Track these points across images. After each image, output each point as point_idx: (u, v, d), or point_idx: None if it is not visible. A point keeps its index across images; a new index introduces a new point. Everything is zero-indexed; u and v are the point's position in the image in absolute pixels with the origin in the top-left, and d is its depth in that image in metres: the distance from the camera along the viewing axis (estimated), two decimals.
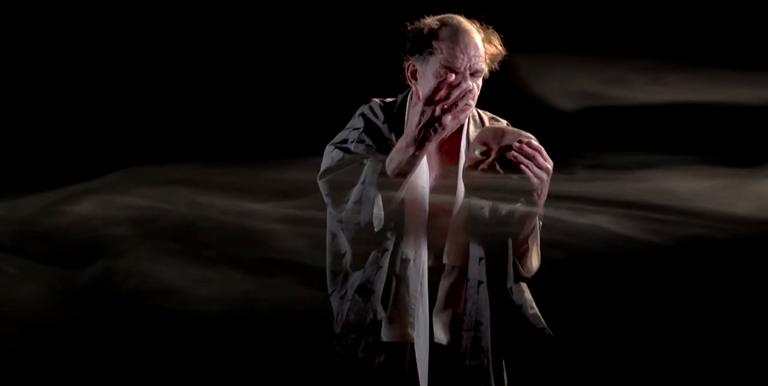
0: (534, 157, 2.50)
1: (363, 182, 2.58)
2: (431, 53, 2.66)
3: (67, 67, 3.81)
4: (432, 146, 2.57)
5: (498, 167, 2.50)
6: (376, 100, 2.83)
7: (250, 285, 2.91)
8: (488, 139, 2.54)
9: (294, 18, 3.80)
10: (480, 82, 2.67)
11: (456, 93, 2.49)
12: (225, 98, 3.83)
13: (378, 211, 2.54)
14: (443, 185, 2.70)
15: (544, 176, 2.52)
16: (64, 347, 3.60)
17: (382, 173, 2.56)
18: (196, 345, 3.72)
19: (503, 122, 2.85)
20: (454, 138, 2.73)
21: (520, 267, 2.70)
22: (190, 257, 3.16)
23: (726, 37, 3.71)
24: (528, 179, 2.50)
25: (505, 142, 2.51)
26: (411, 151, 2.51)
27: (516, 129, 2.60)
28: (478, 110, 2.84)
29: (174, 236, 3.19)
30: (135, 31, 3.80)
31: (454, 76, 2.53)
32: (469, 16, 2.73)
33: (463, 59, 2.62)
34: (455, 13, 2.74)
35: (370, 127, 2.73)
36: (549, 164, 2.53)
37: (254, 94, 3.87)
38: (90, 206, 3.13)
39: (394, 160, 2.55)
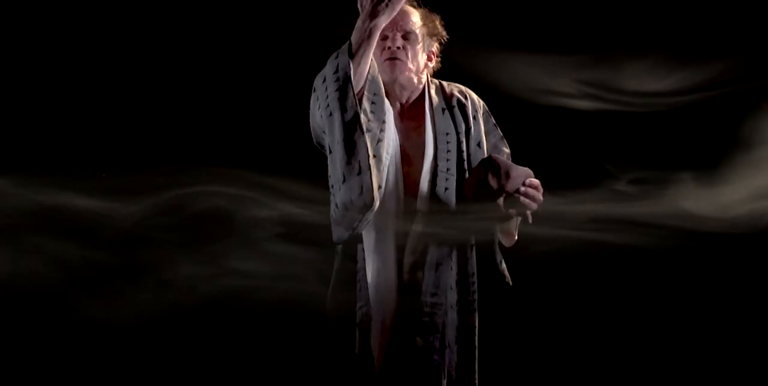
0: (535, 197, 2.91)
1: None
2: None
3: (116, 68, 3.92)
4: (384, 21, 2.87)
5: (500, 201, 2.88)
6: None
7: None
8: (496, 172, 2.86)
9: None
10: (417, 46, 3.00)
11: None
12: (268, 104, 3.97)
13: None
14: (411, 145, 3.01)
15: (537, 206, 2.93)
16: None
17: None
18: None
19: (468, 90, 3.11)
20: (418, 103, 3.05)
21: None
22: (251, 253, 3.22)
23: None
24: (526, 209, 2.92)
25: (512, 184, 2.85)
26: (367, 24, 2.86)
27: (522, 168, 2.91)
28: (440, 81, 3.14)
29: (228, 232, 3.27)
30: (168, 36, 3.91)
31: None
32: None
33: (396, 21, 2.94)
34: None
35: None
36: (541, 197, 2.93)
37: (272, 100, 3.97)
38: (135, 204, 3.24)
39: (355, 36, 2.88)
